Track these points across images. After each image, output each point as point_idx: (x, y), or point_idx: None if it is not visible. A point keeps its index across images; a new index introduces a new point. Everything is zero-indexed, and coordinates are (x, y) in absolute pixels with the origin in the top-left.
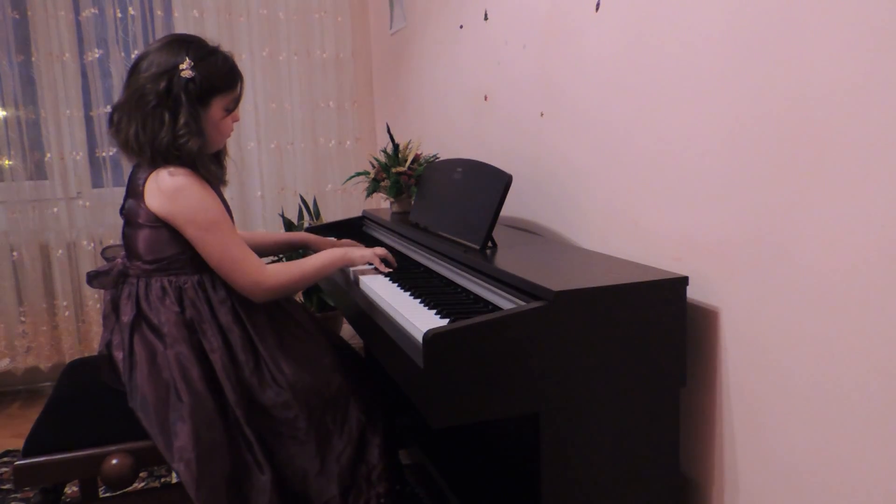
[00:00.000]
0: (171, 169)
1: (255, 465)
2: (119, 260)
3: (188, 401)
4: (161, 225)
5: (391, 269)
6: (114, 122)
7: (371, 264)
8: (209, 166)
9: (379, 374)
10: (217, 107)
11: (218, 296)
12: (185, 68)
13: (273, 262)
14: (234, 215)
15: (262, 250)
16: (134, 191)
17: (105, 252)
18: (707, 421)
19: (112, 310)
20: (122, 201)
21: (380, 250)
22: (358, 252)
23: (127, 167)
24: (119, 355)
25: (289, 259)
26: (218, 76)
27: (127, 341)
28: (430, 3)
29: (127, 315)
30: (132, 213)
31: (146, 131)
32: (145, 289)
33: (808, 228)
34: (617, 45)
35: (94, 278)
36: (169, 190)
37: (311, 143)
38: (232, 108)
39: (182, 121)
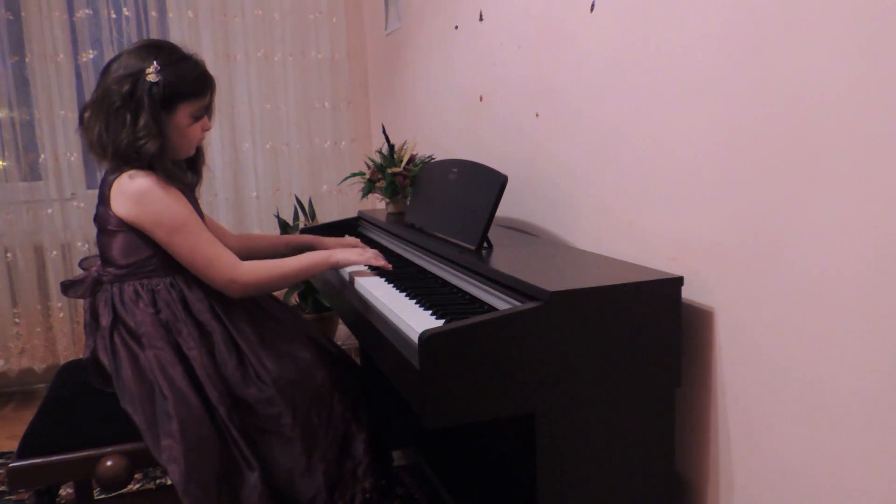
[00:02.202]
0: (133, 172)
1: (245, 463)
2: (93, 268)
3: (171, 399)
4: (130, 229)
5: (381, 270)
6: (84, 121)
7: (366, 266)
8: (169, 169)
9: (371, 370)
10: (183, 113)
11: (195, 295)
12: (151, 72)
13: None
14: (228, 216)
15: (269, 252)
16: (103, 197)
17: (83, 263)
18: (702, 421)
19: (92, 317)
20: (95, 209)
21: (370, 252)
22: (343, 254)
23: (98, 163)
24: (105, 359)
25: None
26: (184, 82)
27: (108, 344)
28: (425, 3)
29: (105, 319)
30: (103, 220)
31: (109, 132)
32: (120, 293)
33: (803, 229)
34: (612, 46)
35: (68, 287)
36: (134, 195)
37: (306, 143)
38: (200, 115)
39: (142, 123)
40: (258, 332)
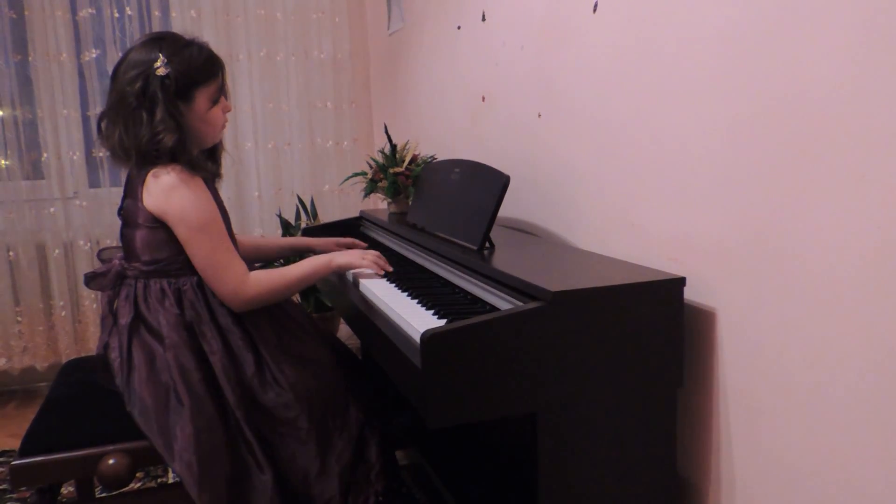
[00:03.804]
0: (156, 171)
1: (256, 466)
2: (116, 261)
3: (188, 404)
4: (159, 225)
5: (384, 272)
6: (101, 131)
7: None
8: (193, 159)
9: (375, 374)
10: (202, 99)
11: (217, 298)
12: (160, 66)
13: (260, 267)
14: (231, 216)
15: (265, 255)
16: (132, 191)
17: (101, 254)
18: (704, 422)
19: (109, 311)
20: (119, 202)
21: (369, 255)
22: (343, 258)
23: (124, 168)
24: (116, 358)
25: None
26: (195, 68)
27: (125, 345)
28: (428, 4)
29: (125, 318)
30: (130, 213)
31: (129, 134)
32: (144, 290)
33: (806, 229)
34: (614, 47)
35: (91, 280)
36: (164, 188)
37: (308, 143)
38: (218, 98)
39: (158, 117)
40: (278, 335)
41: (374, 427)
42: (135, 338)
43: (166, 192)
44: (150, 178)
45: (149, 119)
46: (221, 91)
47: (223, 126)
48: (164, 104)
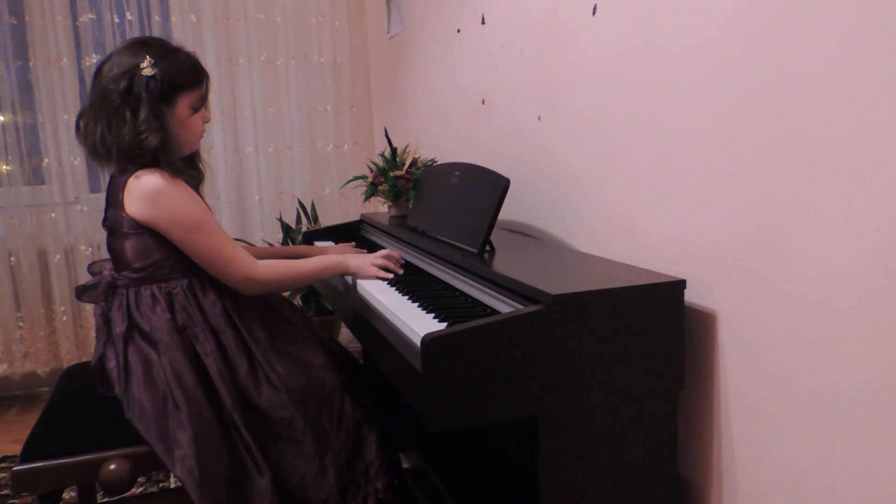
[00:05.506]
0: (139, 172)
1: (255, 469)
2: (106, 272)
3: (185, 408)
4: (144, 231)
5: (392, 276)
6: (80, 128)
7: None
8: (174, 163)
9: (376, 377)
10: (183, 105)
11: (208, 299)
12: (146, 66)
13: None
14: (231, 220)
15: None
16: (114, 200)
17: (91, 267)
18: (705, 424)
19: (104, 323)
20: (103, 212)
21: (380, 261)
22: (356, 261)
23: (103, 167)
24: (113, 368)
25: None
26: (180, 73)
27: (121, 353)
28: (428, 7)
29: (119, 326)
30: (115, 222)
31: (111, 132)
32: (135, 298)
33: (806, 231)
34: (613, 49)
35: (82, 292)
36: (149, 194)
37: (308, 147)
38: (199, 107)
39: (142, 117)
40: (270, 334)
41: (371, 424)
42: (130, 345)
43: (151, 197)
44: (132, 181)
45: (132, 118)
46: (204, 101)
47: (201, 135)
48: (148, 104)
